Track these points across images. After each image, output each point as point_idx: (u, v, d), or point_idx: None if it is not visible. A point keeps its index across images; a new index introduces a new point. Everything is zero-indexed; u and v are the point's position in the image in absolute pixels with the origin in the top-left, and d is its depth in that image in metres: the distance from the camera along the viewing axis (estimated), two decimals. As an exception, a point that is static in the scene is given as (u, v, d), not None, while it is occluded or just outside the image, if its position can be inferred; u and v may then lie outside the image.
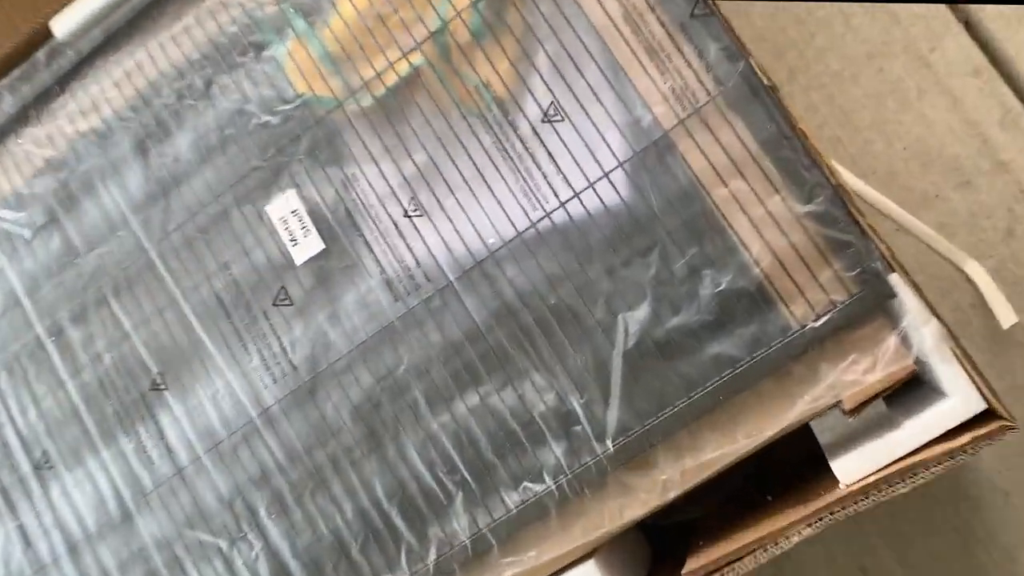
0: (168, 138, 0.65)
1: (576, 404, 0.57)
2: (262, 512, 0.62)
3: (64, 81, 0.68)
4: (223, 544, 0.62)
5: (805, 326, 0.53)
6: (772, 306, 0.54)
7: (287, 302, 0.62)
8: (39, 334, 0.67)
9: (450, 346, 0.59)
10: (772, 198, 0.54)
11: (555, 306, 0.57)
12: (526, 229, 0.58)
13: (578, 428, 0.57)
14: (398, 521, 0.59)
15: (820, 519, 0.53)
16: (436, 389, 0.59)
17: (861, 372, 0.52)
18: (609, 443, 0.56)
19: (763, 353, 0.54)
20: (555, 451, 0.57)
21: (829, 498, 0.54)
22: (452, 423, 0.59)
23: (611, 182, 0.57)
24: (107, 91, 0.67)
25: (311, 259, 0.61)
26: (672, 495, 0.55)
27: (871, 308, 0.52)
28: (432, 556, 0.58)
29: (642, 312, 0.56)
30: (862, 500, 0.53)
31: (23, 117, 0.68)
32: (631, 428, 0.56)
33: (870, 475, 0.52)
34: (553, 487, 0.57)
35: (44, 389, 0.67)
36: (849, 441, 0.56)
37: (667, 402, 0.55)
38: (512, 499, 0.57)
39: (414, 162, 0.60)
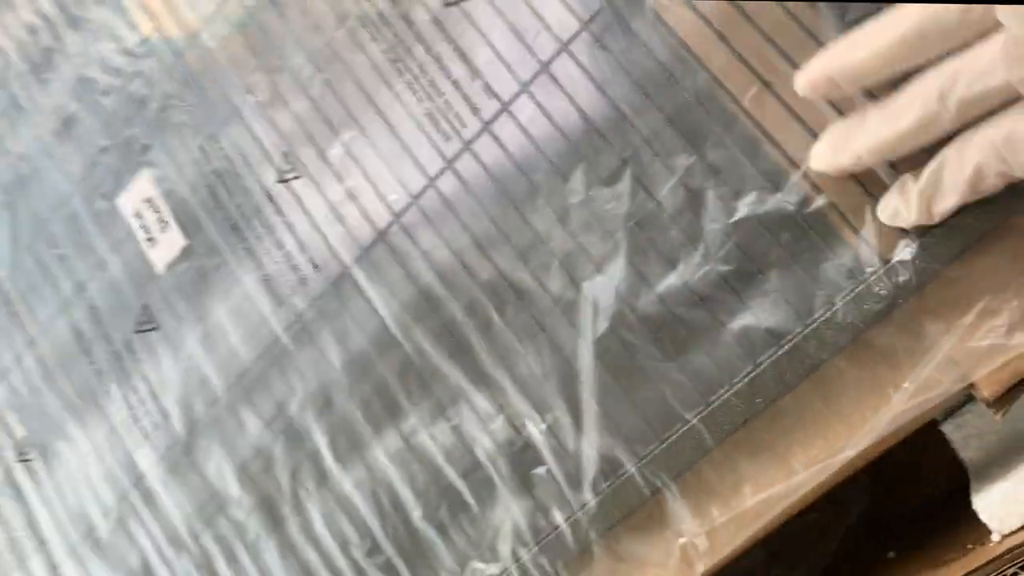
0: (13, 130, 0.50)
1: (536, 432, 0.36)
2: (144, 623, 0.44)
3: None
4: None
5: (889, 261, 0.30)
6: (831, 235, 0.31)
7: (151, 325, 0.45)
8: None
9: (356, 363, 0.39)
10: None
11: (491, 284, 0.37)
12: (439, 173, 0.38)
13: (541, 471, 0.36)
14: (309, 631, 0.40)
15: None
16: (343, 430, 0.40)
17: (1003, 330, 0.29)
18: (588, 492, 0.35)
19: (823, 317, 0.31)
20: (513, 509, 0.36)
21: (976, 558, 0.31)
22: (368, 479, 0.39)
23: (551, 76, 0.36)
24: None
25: (175, 261, 0.44)
26: (701, 569, 0.33)
27: (1012, 208, 0.29)
28: None
29: (616, 274, 0.34)
30: (1037, 565, 0.29)
31: None
32: (619, 464, 0.34)
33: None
34: (513, 568, 0.36)
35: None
36: (1006, 459, 0.32)
37: (673, 416, 0.33)
38: (458, 590, 0.37)
39: (285, 104, 0.41)
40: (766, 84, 0.32)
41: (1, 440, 0.49)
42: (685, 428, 0.33)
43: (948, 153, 0.27)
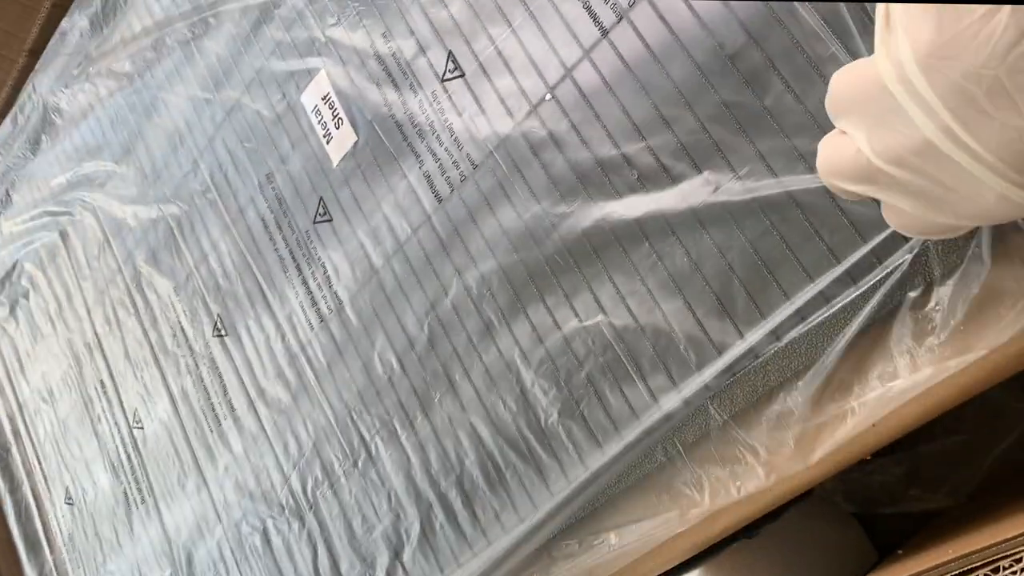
0: (208, 31, 0.55)
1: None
2: (310, 488, 0.50)
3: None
4: (276, 517, 0.52)
5: None
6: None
7: (327, 217, 0.49)
8: (126, 279, 0.62)
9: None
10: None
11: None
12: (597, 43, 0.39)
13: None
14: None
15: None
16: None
17: None
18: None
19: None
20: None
21: None
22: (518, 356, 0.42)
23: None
24: (157, -11, 0.59)
25: (346, 156, 0.48)
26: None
27: None
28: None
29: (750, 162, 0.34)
30: None
31: (99, 30, 0.63)
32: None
33: None
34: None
35: (132, 341, 0.61)
36: None
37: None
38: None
39: (446, 5, 0.44)
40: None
41: (202, 316, 0.56)
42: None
43: None
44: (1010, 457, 0.47)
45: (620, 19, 0.38)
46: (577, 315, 0.40)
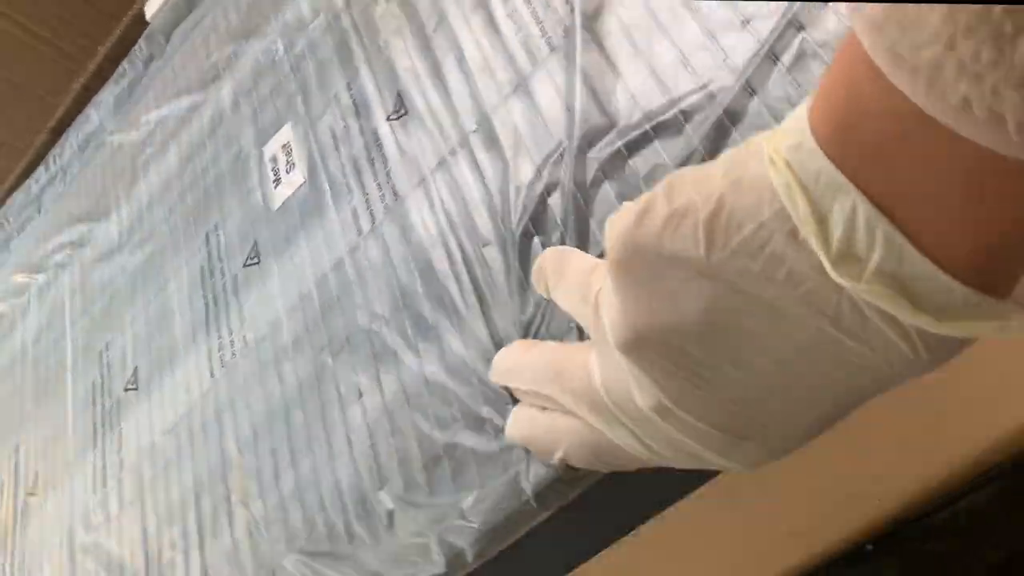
0: (217, 87, 0.58)
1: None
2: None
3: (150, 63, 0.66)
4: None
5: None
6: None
7: (255, 260, 0.48)
8: (67, 334, 0.61)
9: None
10: None
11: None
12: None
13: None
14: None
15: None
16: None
17: None
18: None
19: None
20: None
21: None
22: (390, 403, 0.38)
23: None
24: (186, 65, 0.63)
25: (288, 199, 0.47)
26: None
27: None
28: None
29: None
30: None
31: (122, 107, 0.67)
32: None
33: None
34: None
35: (47, 409, 0.59)
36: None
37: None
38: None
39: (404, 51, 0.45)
40: None
41: (116, 372, 0.54)
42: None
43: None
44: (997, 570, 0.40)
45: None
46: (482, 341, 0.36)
